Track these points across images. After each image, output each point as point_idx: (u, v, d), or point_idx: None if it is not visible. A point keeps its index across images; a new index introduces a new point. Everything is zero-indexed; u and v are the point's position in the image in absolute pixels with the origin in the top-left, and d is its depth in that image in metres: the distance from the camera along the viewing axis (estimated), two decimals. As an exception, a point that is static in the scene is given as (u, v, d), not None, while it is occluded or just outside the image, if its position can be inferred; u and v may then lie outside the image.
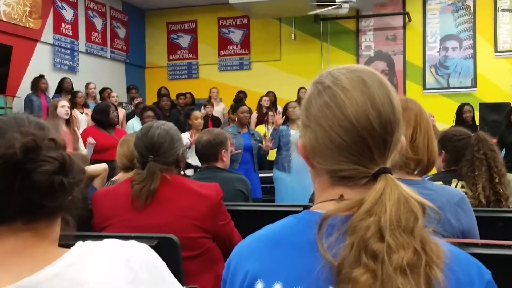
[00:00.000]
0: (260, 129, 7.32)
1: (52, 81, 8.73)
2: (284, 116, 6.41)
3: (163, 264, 0.97)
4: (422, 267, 0.79)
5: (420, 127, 1.71)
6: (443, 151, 2.73)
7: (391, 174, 0.88)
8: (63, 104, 5.43)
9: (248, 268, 0.89)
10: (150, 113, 6.44)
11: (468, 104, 7.67)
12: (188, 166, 5.78)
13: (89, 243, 0.92)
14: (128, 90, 10.42)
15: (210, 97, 9.77)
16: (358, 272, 0.78)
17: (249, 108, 6.65)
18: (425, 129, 1.72)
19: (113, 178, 3.04)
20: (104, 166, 3.54)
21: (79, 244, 0.92)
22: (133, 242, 0.95)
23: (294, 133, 6.01)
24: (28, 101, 8.12)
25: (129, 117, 8.34)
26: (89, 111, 7.52)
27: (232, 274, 0.92)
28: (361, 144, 0.88)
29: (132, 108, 9.27)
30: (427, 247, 0.81)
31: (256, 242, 0.93)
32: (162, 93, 9.53)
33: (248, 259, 0.90)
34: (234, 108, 6.48)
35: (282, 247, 0.88)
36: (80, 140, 5.79)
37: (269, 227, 0.95)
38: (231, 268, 0.93)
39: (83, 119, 7.28)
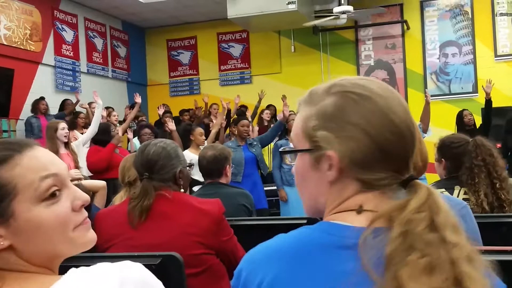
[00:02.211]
0: (263, 142, 7.33)
1: (55, 102, 8.80)
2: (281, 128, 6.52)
3: (158, 282, 0.94)
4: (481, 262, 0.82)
5: None
6: (442, 159, 2.72)
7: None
8: (63, 127, 5.46)
9: (263, 278, 0.86)
10: (147, 130, 6.48)
11: (465, 109, 7.73)
12: (196, 183, 5.76)
13: (81, 269, 0.89)
14: (131, 108, 10.43)
15: (209, 113, 9.78)
16: (415, 256, 0.79)
17: (250, 122, 6.69)
18: None
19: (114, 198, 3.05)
20: (102, 183, 3.54)
21: (72, 271, 0.89)
22: (126, 263, 0.92)
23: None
24: (27, 124, 8.16)
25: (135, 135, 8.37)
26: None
27: (244, 282, 0.89)
28: (405, 149, 0.91)
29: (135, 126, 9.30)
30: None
31: (269, 250, 0.90)
32: (167, 109, 9.58)
33: (262, 268, 0.87)
34: (235, 122, 6.52)
35: (300, 261, 0.86)
36: (84, 160, 5.83)
37: (282, 237, 0.92)
38: (242, 276, 0.90)
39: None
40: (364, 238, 0.83)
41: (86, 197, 0.99)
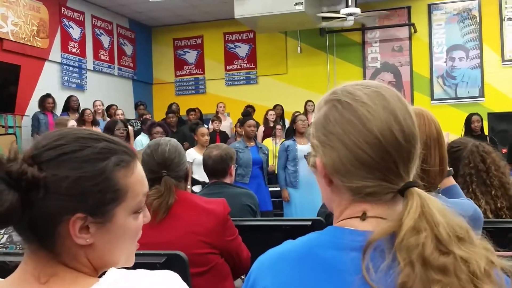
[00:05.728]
0: (268, 142, 7.33)
1: (61, 99, 8.81)
2: (286, 129, 6.51)
3: None
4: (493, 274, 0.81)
5: (430, 139, 1.66)
6: None
7: (417, 188, 0.88)
8: (72, 124, 5.46)
9: (267, 283, 0.88)
10: (159, 129, 6.45)
11: (476, 114, 7.61)
12: (196, 182, 5.76)
13: (120, 273, 0.89)
14: (136, 106, 10.48)
15: (217, 112, 9.80)
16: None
17: (257, 122, 6.68)
18: (435, 141, 1.67)
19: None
20: None
21: (111, 272, 0.89)
22: (164, 273, 0.91)
23: (301, 148, 6.01)
24: (35, 120, 8.19)
25: (137, 133, 8.37)
26: (98, 128, 7.55)
27: (251, 287, 0.91)
28: (387, 159, 0.89)
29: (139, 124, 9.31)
30: (491, 255, 0.83)
31: (277, 255, 0.91)
32: (172, 109, 9.60)
33: (268, 274, 0.89)
34: (241, 122, 6.53)
35: (306, 263, 0.86)
36: None
37: (290, 242, 0.93)
38: (250, 281, 0.91)
39: (91, 136, 7.31)
40: (368, 243, 0.83)
41: (150, 217, 1.03)
